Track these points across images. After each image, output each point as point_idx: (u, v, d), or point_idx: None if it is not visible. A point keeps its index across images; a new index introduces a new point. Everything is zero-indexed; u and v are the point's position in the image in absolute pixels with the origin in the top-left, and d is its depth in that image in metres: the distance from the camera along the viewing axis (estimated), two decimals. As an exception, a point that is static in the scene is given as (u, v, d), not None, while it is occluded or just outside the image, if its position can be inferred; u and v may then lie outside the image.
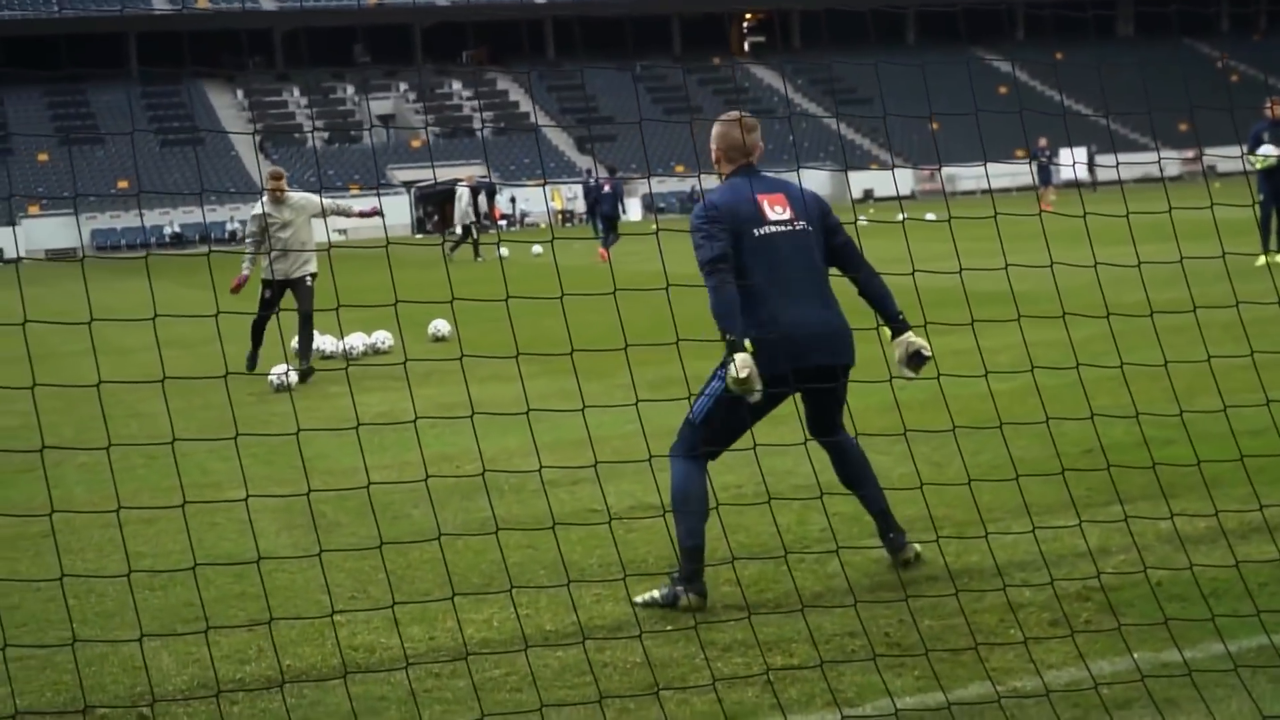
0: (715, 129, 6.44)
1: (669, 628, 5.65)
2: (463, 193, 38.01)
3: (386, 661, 5.47)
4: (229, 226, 65.10)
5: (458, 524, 7.65)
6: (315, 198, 14.13)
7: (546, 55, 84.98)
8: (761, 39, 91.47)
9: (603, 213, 35.59)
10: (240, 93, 78.74)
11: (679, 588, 5.99)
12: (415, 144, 75.54)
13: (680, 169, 72.56)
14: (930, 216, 40.63)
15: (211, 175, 67.64)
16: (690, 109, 79.49)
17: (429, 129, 76.27)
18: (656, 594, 6.07)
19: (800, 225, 6.28)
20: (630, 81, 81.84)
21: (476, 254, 36.70)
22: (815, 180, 70.11)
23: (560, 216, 68.43)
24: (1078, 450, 7.98)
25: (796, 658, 5.22)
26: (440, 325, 16.11)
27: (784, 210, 6.28)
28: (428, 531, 7.01)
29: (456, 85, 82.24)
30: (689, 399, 6.20)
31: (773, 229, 6.22)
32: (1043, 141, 48.12)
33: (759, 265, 6.13)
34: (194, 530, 7.05)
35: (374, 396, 12.49)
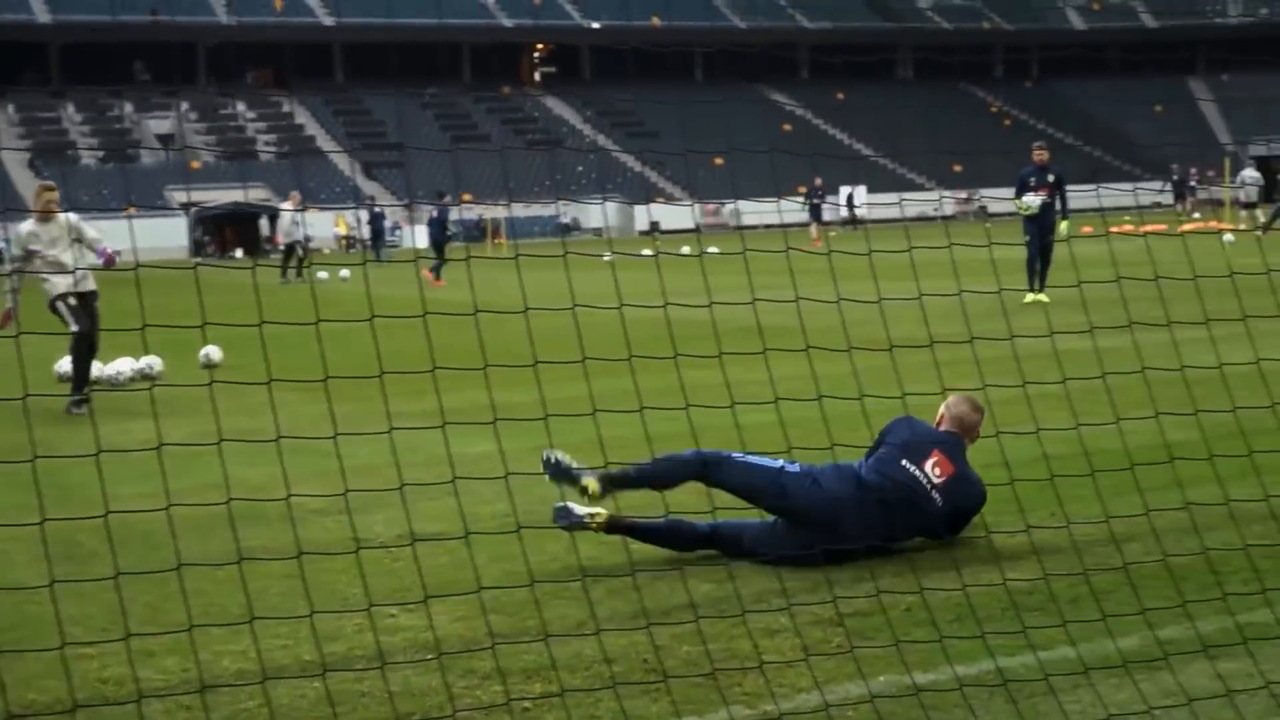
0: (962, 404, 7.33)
1: (429, 656, 5.61)
2: (284, 213, 38.71)
3: (134, 694, 5.34)
4: (-1, 245, 63.19)
5: (221, 553, 7.50)
6: (82, 223, 13.52)
7: (334, 79, 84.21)
8: (553, 70, 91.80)
9: (431, 238, 36.12)
10: (11, 108, 76.53)
11: (596, 472, 6.93)
12: (195, 165, 74.20)
13: (467, 197, 72.40)
14: (713, 250, 41.10)
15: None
16: (477, 136, 79.50)
17: (210, 150, 75.00)
18: (573, 464, 7.05)
19: (934, 495, 7.03)
20: (418, 109, 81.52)
21: (284, 275, 36.42)
22: (601, 213, 70.16)
23: (345, 242, 67.80)
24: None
25: (555, 685, 5.23)
26: (211, 351, 15.75)
27: (940, 476, 7.05)
28: (187, 561, 6.88)
29: (240, 107, 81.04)
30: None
31: (912, 475, 7.02)
32: (818, 181, 49.27)
33: (884, 462, 7.11)
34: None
35: (140, 423, 12.19)
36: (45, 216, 13.35)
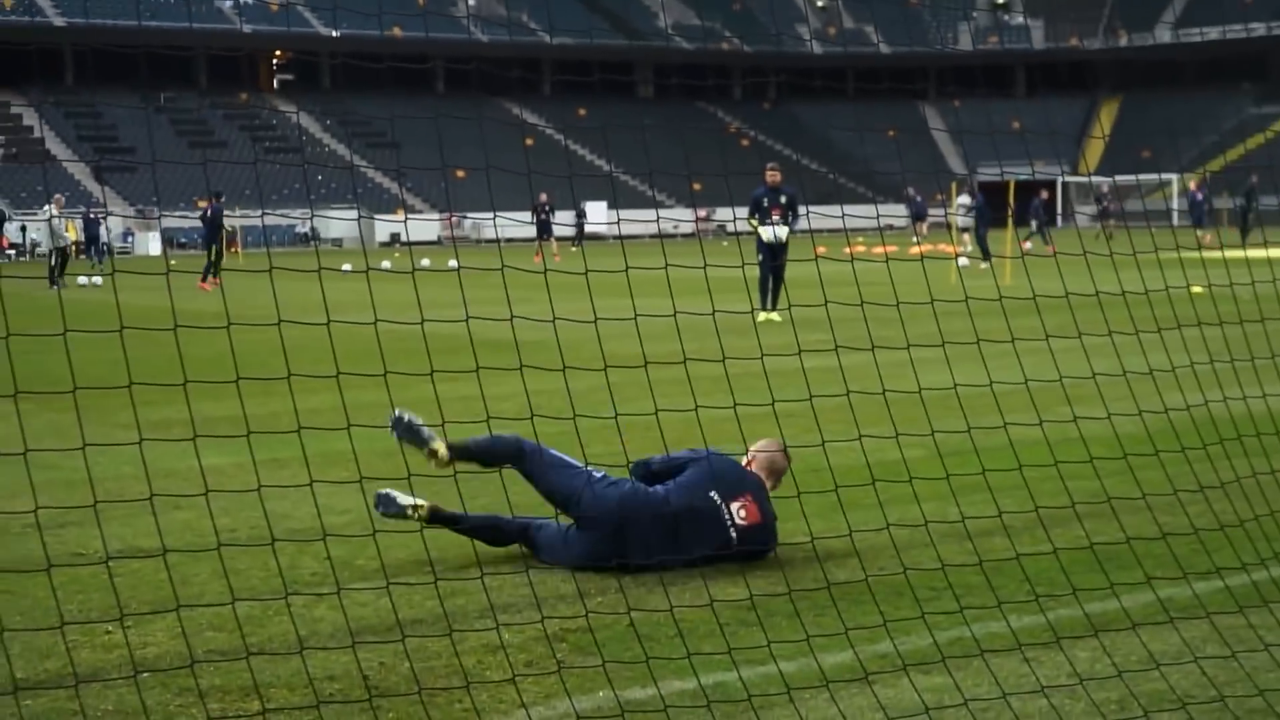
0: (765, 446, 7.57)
1: (145, 673, 5.56)
2: (52, 217, 37.01)
3: None
4: None
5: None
6: None
7: (64, 81, 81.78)
8: (290, 77, 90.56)
9: (204, 239, 35.33)
10: None
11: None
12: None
13: (202, 203, 70.94)
14: (452, 263, 41.06)
15: None
16: (214, 144, 78.01)
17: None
18: (424, 425, 7.21)
19: (732, 535, 7.24)
20: (152, 113, 79.62)
21: (53, 281, 34.42)
22: (343, 227, 69.16)
23: (75, 248, 65.75)
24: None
25: (275, 702, 5.24)
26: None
27: (745, 517, 7.26)
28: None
29: (-36, 107, 78.15)
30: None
31: (717, 512, 7.24)
32: (543, 197, 49.73)
33: (681, 485, 7.34)
34: None
35: None
36: None
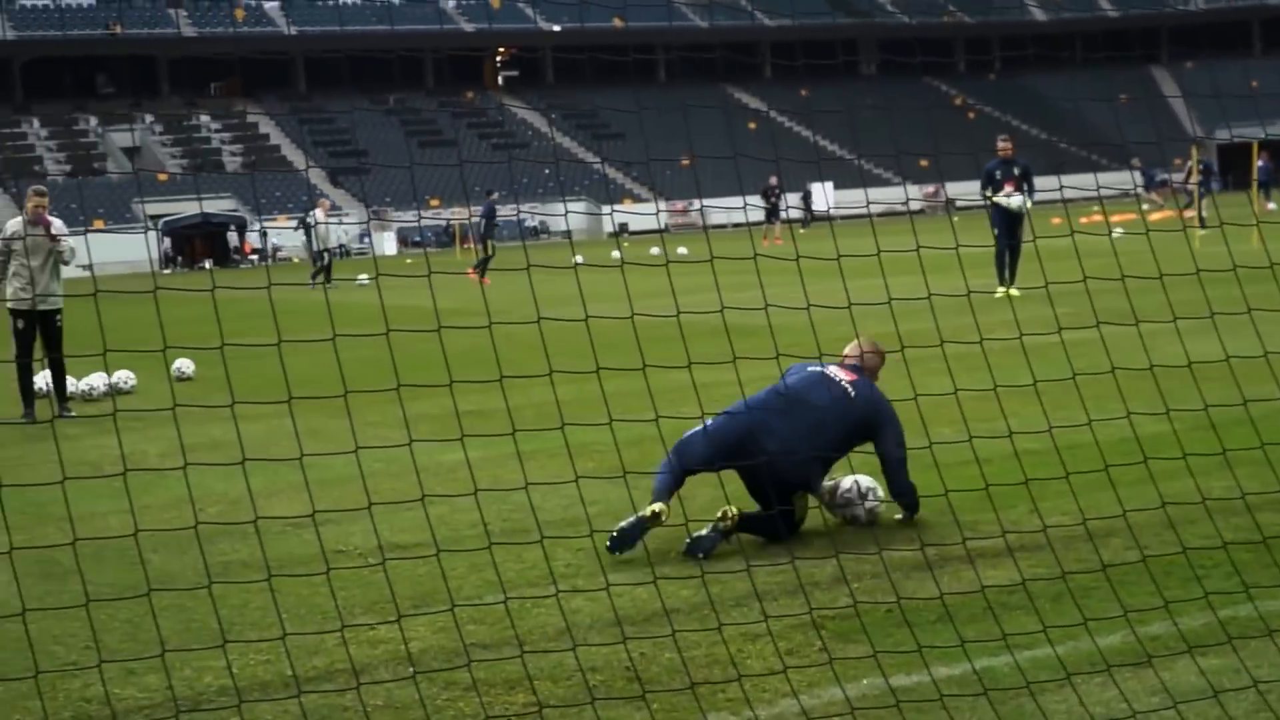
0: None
1: (408, 670, 5.61)
2: (319, 216, 38.74)
3: (120, 714, 5.34)
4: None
5: (199, 569, 7.49)
6: (63, 229, 13.58)
7: (298, 88, 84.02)
8: (515, 73, 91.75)
9: (478, 234, 36.45)
10: (-23, 124, 76.18)
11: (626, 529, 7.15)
12: (162, 177, 73.90)
13: (435, 202, 72.32)
14: (682, 250, 41.24)
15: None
16: (444, 143, 79.38)
17: (176, 162, 74.77)
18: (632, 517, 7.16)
19: (846, 393, 7.67)
20: (382, 115, 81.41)
21: (315, 280, 35.66)
22: (572, 219, 70.00)
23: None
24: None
25: (540, 695, 5.24)
26: (184, 365, 15.75)
27: (845, 379, 7.74)
28: (165, 579, 6.89)
29: (205, 118, 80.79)
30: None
31: (819, 373, 7.75)
32: (773, 180, 49.29)
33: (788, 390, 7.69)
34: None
35: (112, 439, 12.14)
36: (33, 221, 13.41)
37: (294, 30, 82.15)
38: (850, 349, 8.03)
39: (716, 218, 71.30)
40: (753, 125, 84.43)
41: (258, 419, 11.03)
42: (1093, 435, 6.53)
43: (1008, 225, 21.10)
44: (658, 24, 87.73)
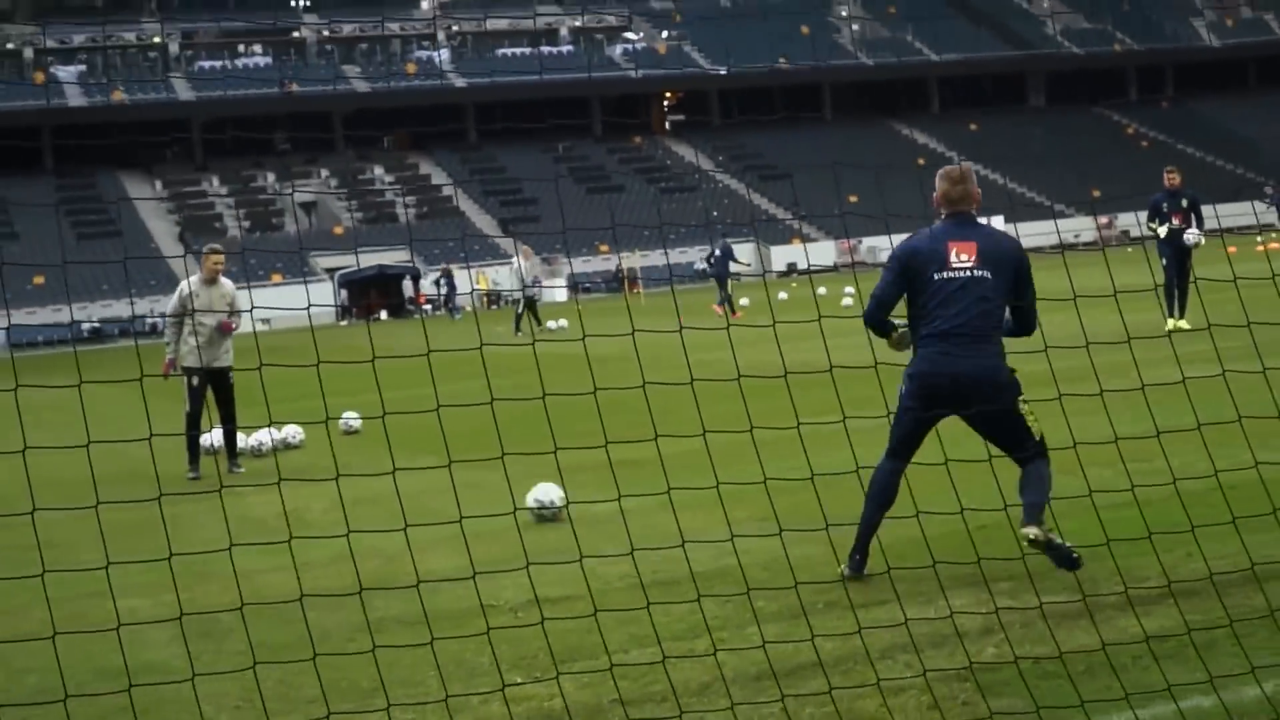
0: (936, 181, 7.54)
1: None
2: (520, 264, 39.45)
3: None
4: (149, 320, 64.64)
5: (353, 625, 7.58)
6: (238, 293, 13.92)
7: (468, 139, 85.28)
8: (681, 117, 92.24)
9: (715, 274, 38.26)
10: (159, 184, 78.47)
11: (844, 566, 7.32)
12: (338, 230, 75.49)
13: (604, 249, 72.86)
14: (849, 290, 41.02)
15: (131, 268, 67.28)
16: (612, 188, 80.00)
17: (352, 214, 76.31)
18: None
19: (980, 273, 7.21)
20: (551, 163, 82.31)
21: (519, 327, 36.20)
22: (742, 253, 70.46)
23: (486, 299, 68.40)
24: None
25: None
26: (350, 419, 15.98)
27: (969, 258, 7.22)
28: (319, 635, 6.96)
29: (378, 170, 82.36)
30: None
31: (952, 275, 7.22)
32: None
33: (935, 301, 7.21)
34: (81, 641, 6.96)
35: (275, 495, 12.30)
36: (209, 280, 13.73)
37: (464, 83, 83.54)
38: (944, 193, 7.50)
39: (884, 256, 71.02)
40: (921, 161, 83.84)
41: (415, 475, 11.13)
42: (1258, 474, 6.33)
43: (1177, 258, 20.64)
44: (823, 63, 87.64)
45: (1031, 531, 7.06)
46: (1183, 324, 19.63)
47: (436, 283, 58.31)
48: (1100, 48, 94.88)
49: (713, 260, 38.50)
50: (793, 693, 5.62)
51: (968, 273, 7.19)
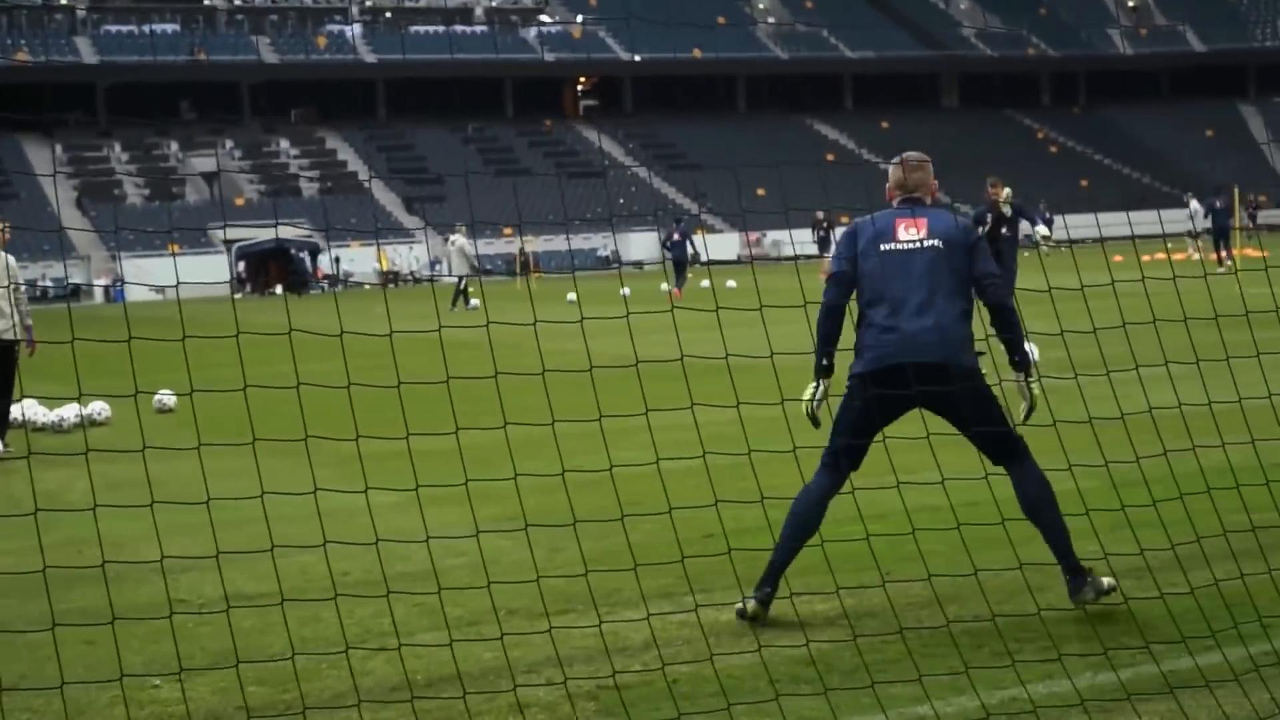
0: (890, 170, 7.17)
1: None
2: (462, 244, 39.31)
3: None
4: (42, 285, 63.62)
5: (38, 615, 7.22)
6: (13, 264, 13.27)
7: (377, 115, 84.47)
8: (595, 103, 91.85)
9: (674, 258, 39.11)
10: (60, 147, 77.14)
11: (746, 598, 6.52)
12: (239, 202, 74.59)
13: (508, 231, 72.36)
14: (731, 284, 41.01)
15: (24, 232, 66.10)
16: (520, 171, 79.53)
17: (254, 188, 75.45)
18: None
19: (930, 243, 6.75)
20: (460, 144, 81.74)
21: (455, 304, 36.61)
22: (643, 248, 70.06)
23: (385, 277, 67.76)
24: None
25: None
26: (165, 397, 15.48)
27: (918, 231, 6.79)
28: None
29: (284, 143, 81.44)
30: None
31: (899, 246, 6.75)
32: (819, 215, 49.06)
33: (881, 276, 6.71)
34: None
35: (50, 473, 11.77)
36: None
37: (375, 59, 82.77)
38: (898, 180, 7.07)
39: (789, 249, 70.93)
40: (831, 157, 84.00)
41: (211, 457, 10.78)
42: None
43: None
44: (738, 54, 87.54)
45: (1088, 596, 6.47)
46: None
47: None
48: (1014, 51, 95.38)
49: (670, 245, 39.15)
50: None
51: (917, 245, 6.74)
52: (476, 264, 37.62)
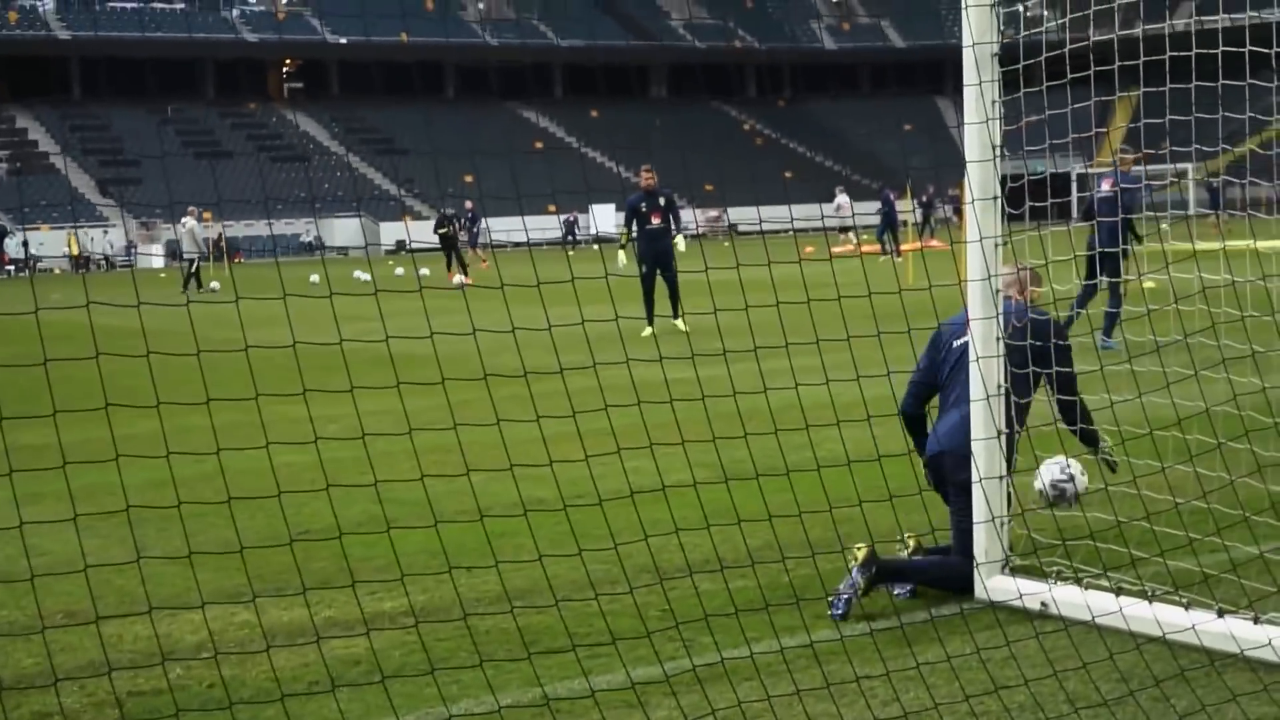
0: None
1: None
2: (192, 226, 38.85)
3: None
4: None
5: None
6: None
7: (71, 94, 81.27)
8: (300, 85, 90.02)
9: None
10: None
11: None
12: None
13: (208, 216, 70.31)
14: (424, 271, 40.46)
15: None
16: (221, 154, 77.42)
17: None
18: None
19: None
20: (158, 125, 79.18)
21: (187, 285, 35.66)
22: (347, 235, 68.94)
23: (76, 262, 65.12)
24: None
25: None
26: None
27: None
28: None
29: (-29, 121, 77.84)
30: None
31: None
32: (468, 205, 49.71)
33: (954, 377, 6.97)
34: None
35: None
36: None
37: (68, 35, 79.64)
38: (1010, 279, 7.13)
39: (498, 238, 70.41)
40: (539, 144, 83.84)
41: None
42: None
43: (654, 258, 20.08)
44: (445, 40, 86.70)
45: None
46: (679, 324, 19.08)
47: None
48: (721, 43, 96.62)
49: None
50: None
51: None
52: (203, 247, 36.86)
